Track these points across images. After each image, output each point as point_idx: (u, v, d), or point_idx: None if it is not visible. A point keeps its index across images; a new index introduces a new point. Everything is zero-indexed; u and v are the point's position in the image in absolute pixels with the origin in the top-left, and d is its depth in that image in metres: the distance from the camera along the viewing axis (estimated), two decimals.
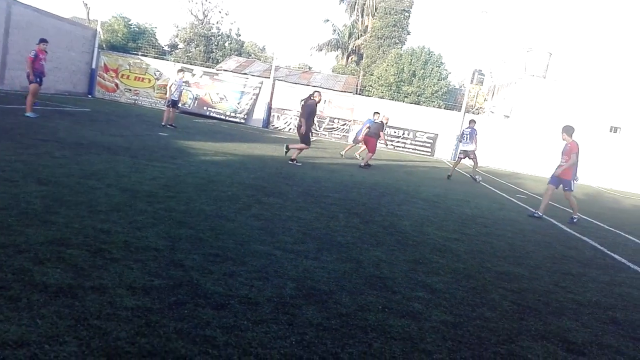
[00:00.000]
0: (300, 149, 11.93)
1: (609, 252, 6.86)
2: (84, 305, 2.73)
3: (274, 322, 2.91)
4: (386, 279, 4.10)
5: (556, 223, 8.96)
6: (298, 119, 12.18)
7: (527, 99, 26.42)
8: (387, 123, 16.64)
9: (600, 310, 4.19)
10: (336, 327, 3.00)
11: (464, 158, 15.04)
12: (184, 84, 18.31)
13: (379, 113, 16.17)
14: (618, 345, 3.46)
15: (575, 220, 9.35)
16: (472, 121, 15.05)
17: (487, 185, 14.41)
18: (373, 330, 3.04)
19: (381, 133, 14.94)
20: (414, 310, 3.50)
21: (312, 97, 11.83)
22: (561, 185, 9.42)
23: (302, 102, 11.88)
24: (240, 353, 2.50)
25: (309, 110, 11.63)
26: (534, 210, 9.52)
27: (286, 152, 12.45)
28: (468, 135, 14.68)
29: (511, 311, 3.81)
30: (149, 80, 25.91)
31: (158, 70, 25.91)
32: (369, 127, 14.97)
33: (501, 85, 31.90)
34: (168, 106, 16.33)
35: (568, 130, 9.32)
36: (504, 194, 12.72)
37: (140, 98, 25.88)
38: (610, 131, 25.91)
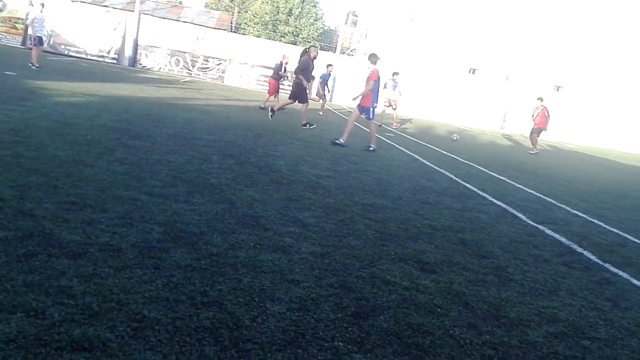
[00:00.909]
0: (304, 110, 11.53)
1: (462, 182, 7.60)
2: None
3: (138, 267, 2.81)
4: (259, 217, 4.14)
5: (419, 158, 9.67)
6: (294, 77, 11.45)
7: (397, 41, 27.48)
8: (286, 63, 16.30)
9: (451, 233, 4.66)
10: (206, 267, 2.98)
11: (388, 106, 16.91)
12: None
13: (331, 65, 17.32)
14: (465, 262, 3.90)
15: (371, 150, 9.31)
16: (396, 73, 16.85)
17: (359, 125, 15.00)
18: (243, 267, 3.08)
19: (280, 73, 14.78)
20: (284, 244, 3.60)
21: (307, 52, 11.22)
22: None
23: (300, 59, 11.24)
24: (100, 300, 2.39)
25: (304, 66, 11.05)
26: (341, 141, 9.42)
27: (272, 116, 11.22)
28: (394, 86, 16.76)
29: (374, 239, 4.10)
30: None
31: (1, 1, 22.52)
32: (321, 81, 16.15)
33: (374, 28, 32.73)
34: (35, 45, 14.35)
35: (371, 57, 9.51)
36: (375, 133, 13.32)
37: None
38: (469, 72, 28.11)
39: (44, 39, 22.14)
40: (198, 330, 2.29)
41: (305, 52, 11.40)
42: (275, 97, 14.50)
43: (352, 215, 4.69)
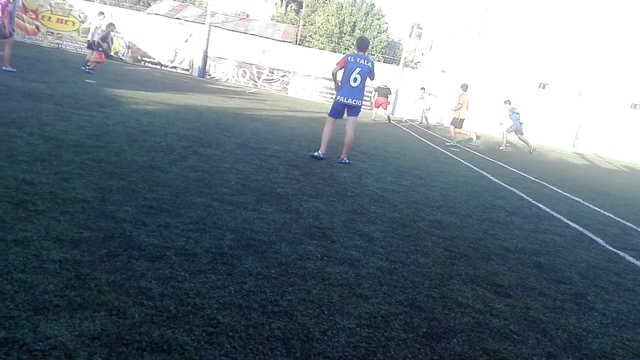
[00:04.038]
0: None
1: (534, 202, 7.27)
2: (6, 258, 2.56)
3: (212, 273, 2.87)
4: (325, 228, 4.13)
5: (486, 175, 9.36)
6: None
7: (462, 55, 26.95)
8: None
9: (525, 255, 4.45)
10: (275, 276, 3.00)
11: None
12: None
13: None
14: (541, 287, 3.70)
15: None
16: (422, 88, 21.62)
17: (423, 139, 14.77)
18: (312, 278, 3.07)
19: (389, 96, 19.92)
20: (351, 257, 3.57)
21: None
22: None
23: None
24: (177, 303, 2.45)
25: None
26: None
27: None
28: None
29: (443, 257, 3.98)
30: (73, 23, 24.13)
31: (83, 13, 24.11)
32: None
33: (438, 40, 32.30)
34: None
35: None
36: (438, 148, 13.09)
37: (64, 42, 24.09)
38: (540, 87, 27.08)
39: (122, 50, 23.60)
40: (270, 340, 2.29)
41: None
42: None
43: (419, 231, 4.59)
